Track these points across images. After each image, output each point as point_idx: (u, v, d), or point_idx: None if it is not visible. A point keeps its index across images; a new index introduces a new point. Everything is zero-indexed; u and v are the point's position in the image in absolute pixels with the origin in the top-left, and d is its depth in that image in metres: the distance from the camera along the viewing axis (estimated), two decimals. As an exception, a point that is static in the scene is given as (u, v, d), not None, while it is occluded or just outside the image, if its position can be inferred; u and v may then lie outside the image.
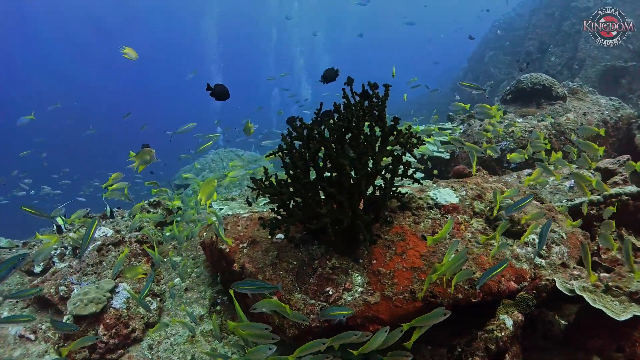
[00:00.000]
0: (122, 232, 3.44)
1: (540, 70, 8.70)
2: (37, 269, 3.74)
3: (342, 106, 1.84)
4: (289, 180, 2.00)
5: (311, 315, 1.82)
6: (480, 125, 5.38)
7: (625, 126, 5.58)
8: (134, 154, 2.53)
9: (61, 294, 2.91)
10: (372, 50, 38.90)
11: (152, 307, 2.68)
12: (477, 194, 2.63)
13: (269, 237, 2.27)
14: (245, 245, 2.27)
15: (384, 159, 2.05)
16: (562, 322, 2.22)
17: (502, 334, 1.85)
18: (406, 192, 2.38)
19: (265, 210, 2.94)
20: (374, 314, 1.86)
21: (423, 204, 2.41)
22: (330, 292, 1.88)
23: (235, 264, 2.16)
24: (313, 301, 1.88)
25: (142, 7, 32.37)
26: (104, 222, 4.38)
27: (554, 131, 5.09)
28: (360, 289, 1.93)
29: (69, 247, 3.87)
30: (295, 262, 2.05)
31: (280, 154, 2.07)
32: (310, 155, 1.87)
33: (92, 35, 32.90)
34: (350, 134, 1.78)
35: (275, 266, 2.04)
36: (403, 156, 2.01)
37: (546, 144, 3.42)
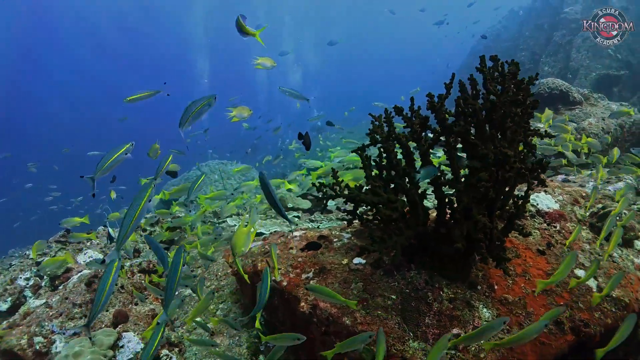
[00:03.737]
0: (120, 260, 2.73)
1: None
2: (4, 306, 2.95)
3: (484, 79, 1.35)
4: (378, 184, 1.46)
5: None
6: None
7: (638, 131, 5.54)
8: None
9: (37, 347, 2.18)
10: (362, 51, 39.63)
11: (169, 362, 2.01)
12: (574, 198, 2.20)
13: (344, 262, 1.70)
14: (310, 275, 1.68)
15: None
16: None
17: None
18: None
19: (321, 227, 2.36)
20: (519, 357, 1.34)
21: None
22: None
23: (302, 303, 1.57)
24: (437, 353, 1.32)
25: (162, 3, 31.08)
26: (88, 244, 3.62)
27: (578, 136, 4.91)
28: (490, 328, 1.42)
29: (45, 277, 3.11)
30: (394, 296, 1.49)
31: (362, 149, 1.55)
32: (424, 148, 1.35)
33: (114, 33, 32.05)
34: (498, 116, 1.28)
35: (366, 304, 1.48)
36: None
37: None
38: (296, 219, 3.18)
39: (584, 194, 2.38)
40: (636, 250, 2.06)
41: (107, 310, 2.27)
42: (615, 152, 3.24)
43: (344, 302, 1.31)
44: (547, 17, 9.38)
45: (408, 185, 1.33)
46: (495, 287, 1.58)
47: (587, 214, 2.13)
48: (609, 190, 3.53)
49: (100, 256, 3.49)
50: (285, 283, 1.68)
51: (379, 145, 1.48)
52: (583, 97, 5.70)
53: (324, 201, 1.70)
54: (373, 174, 1.66)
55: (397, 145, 1.55)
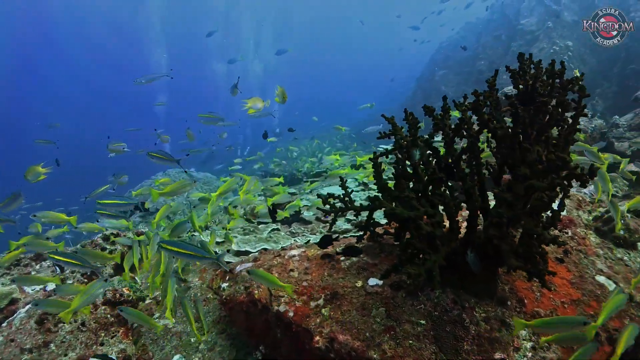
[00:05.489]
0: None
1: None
2: None
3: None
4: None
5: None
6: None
7: (599, 136, 5.88)
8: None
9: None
10: (320, 53, 40.26)
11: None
12: (576, 203, 2.15)
13: (358, 284, 1.49)
14: (320, 302, 1.46)
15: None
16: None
17: None
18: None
19: (301, 241, 2.14)
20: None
21: (538, 219, 1.85)
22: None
23: (316, 338, 1.33)
24: (483, 385, 1.15)
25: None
26: (37, 267, 3.12)
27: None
28: (529, 344, 1.31)
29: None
30: (423, 321, 1.30)
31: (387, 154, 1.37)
32: (456, 154, 1.18)
33: (110, 38, 32.19)
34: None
35: (394, 332, 1.27)
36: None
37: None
38: (282, 234, 2.93)
39: (580, 198, 2.36)
40: (640, 252, 2.05)
41: (66, 355, 1.89)
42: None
43: (281, 286, 1.38)
44: (505, 28, 9.89)
45: (447, 195, 1.17)
46: (525, 301, 1.46)
47: (591, 218, 2.10)
48: (585, 193, 3.62)
49: (53, 282, 3.01)
50: (291, 314, 1.44)
51: (404, 150, 1.31)
52: (546, 103, 5.99)
53: (334, 215, 1.49)
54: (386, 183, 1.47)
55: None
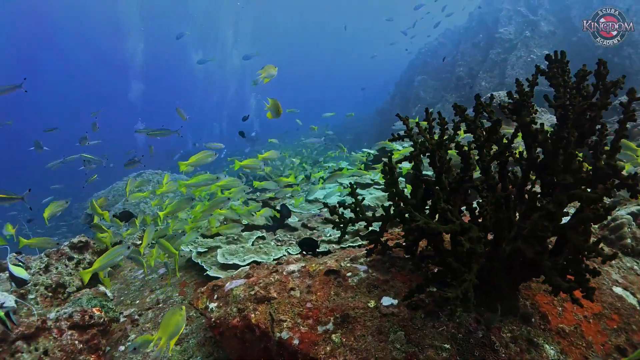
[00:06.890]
0: (38, 305, 2.03)
1: (472, 93, 9.29)
2: None
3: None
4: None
5: None
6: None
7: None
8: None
9: None
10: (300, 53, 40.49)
11: None
12: (581, 209, 2.09)
13: (371, 304, 1.34)
14: (329, 326, 1.29)
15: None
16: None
17: None
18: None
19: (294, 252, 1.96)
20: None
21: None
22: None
23: (327, 367, 1.16)
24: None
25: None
26: None
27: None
28: (559, 366, 1.20)
29: None
30: (448, 345, 1.16)
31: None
32: (487, 160, 1.05)
33: (110, 38, 32.27)
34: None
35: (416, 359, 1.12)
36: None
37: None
38: (271, 243, 2.72)
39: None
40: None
41: (24, 392, 1.61)
42: None
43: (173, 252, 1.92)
44: (483, 36, 10.12)
45: (486, 207, 1.03)
46: (549, 317, 1.35)
47: (597, 226, 2.04)
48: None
49: (12, 299, 2.68)
50: (296, 341, 1.26)
51: (429, 154, 1.17)
52: (527, 109, 6.10)
53: (343, 226, 1.33)
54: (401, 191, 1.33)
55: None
